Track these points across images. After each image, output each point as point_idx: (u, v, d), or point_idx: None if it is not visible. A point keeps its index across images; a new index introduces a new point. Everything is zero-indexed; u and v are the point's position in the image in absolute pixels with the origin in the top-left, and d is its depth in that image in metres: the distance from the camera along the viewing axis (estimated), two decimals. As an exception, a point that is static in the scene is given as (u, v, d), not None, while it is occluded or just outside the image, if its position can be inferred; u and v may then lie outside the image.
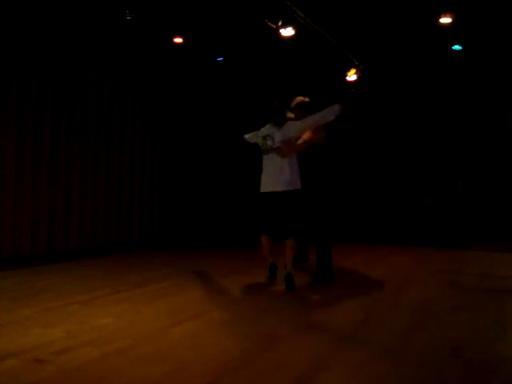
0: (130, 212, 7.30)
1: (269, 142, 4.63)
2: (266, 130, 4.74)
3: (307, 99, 5.29)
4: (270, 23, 6.26)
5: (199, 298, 4.14)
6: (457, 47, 7.58)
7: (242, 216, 9.79)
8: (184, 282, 4.79)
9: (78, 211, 6.42)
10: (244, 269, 5.72)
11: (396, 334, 3.18)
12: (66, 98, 6.27)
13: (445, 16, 6.25)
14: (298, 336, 3.09)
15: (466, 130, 8.95)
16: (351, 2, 6.29)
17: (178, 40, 7.15)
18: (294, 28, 6.20)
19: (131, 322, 3.32)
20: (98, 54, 6.71)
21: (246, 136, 5.04)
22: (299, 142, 4.81)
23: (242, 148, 9.92)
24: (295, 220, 4.61)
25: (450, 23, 6.36)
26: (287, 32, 6.21)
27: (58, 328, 3.07)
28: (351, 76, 8.13)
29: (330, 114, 4.69)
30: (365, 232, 9.30)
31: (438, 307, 4.01)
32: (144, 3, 6.26)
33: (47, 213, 6.02)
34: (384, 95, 9.48)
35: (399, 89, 9.33)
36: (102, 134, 6.79)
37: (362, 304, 4.03)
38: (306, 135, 4.86)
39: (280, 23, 6.16)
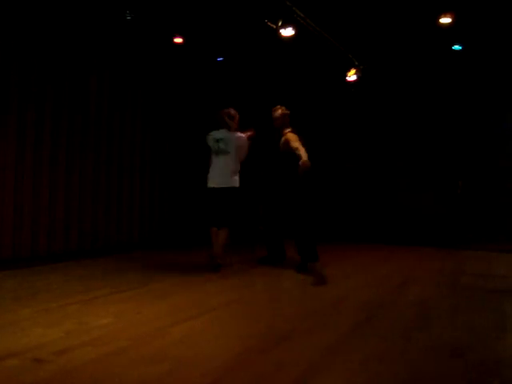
0: (130, 212, 7.30)
1: (221, 145, 5.46)
2: (220, 133, 5.51)
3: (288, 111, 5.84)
4: (269, 23, 6.26)
5: (199, 297, 4.14)
6: (457, 47, 7.58)
7: (242, 216, 9.78)
8: (184, 282, 4.79)
9: (78, 211, 6.42)
10: (244, 268, 5.72)
11: (396, 333, 3.18)
12: (66, 97, 6.26)
13: (445, 16, 6.25)
14: (297, 336, 3.10)
15: (465, 130, 8.95)
16: (351, 2, 6.29)
17: (178, 40, 7.15)
18: (294, 28, 6.20)
19: (131, 322, 3.32)
20: (98, 54, 6.71)
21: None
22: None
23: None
24: (233, 212, 5.50)
25: (449, 23, 6.36)
26: (287, 32, 6.21)
27: (57, 328, 3.07)
28: (351, 76, 8.14)
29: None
30: (365, 232, 9.31)
31: (437, 307, 4.02)
32: (144, 3, 6.26)
33: (47, 213, 6.02)
34: (384, 95, 9.49)
35: (399, 89, 9.33)
36: (102, 133, 6.79)
37: (362, 304, 4.03)
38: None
39: (280, 23, 6.17)
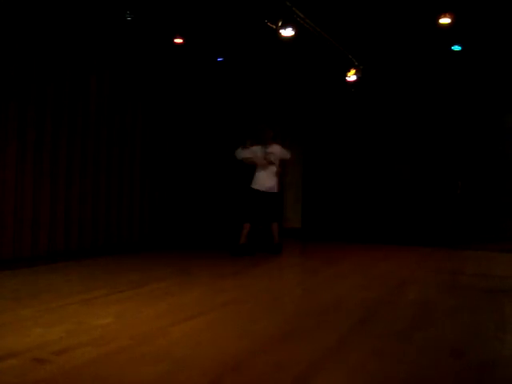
0: (131, 212, 7.30)
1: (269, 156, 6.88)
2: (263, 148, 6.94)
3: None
4: (269, 24, 6.26)
5: (199, 297, 4.15)
6: (456, 47, 7.58)
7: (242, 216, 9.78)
8: (184, 282, 4.79)
9: (78, 211, 6.42)
10: (244, 268, 5.73)
11: (396, 334, 3.19)
12: (67, 98, 6.26)
13: (444, 16, 6.25)
14: (297, 336, 3.10)
15: (465, 131, 8.95)
16: (351, 2, 6.30)
17: (179, 40, 7.16)
18: (294, 28, 6.20)
19: (131, 322, 3.32)
20: (98, 54, 6.71)
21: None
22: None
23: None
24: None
25: (449, 23, 6.36)
26: (287, 32, 6.21)
27: (57, 328, 3.07)
28: (351, 76, 8.14)
29: None
30: (364, 232, 9.31)
31: (437, 307, 4.02)
32: (144, 4, 6.26)
33: (48, 213, 6.02)
34: (384, 96, 9.49)
35: (399, 89, 9.33)
36: (102, 133, 6.79)
37: (362, 304, 4.03)
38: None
39: (280, 23, 6.17)
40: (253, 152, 6.85)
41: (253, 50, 7.92)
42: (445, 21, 6.31)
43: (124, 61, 7.16)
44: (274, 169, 6.83)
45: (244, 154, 6.91)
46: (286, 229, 10.35)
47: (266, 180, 6.80)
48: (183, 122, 8.35)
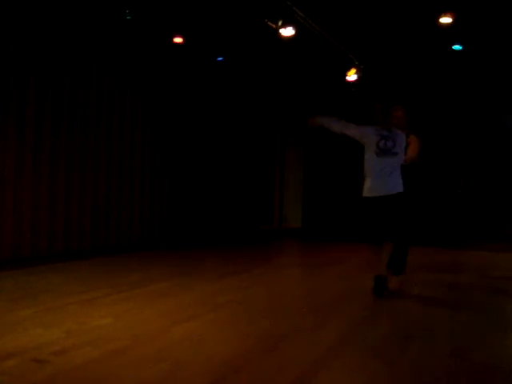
0: (131, 212, 7.29)
1: (389, 143, 4.57)
2: (379, 131, 4.66)
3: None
4: (270, 23, 6.25)
5: (199, 297, 4.14)
6: (457, 47, 7.58)
7: (242, 216, 9.80)
8: (184, 282, 4.79)
9: (77, 211, 6.42)
10: (244, 269, 5.73)
11: (396, 334, 3.18)
12: (66, 97, 6.26)
13: (445, 16, 6.25)
14: (298, 336, 3.09)
15: (466, 131, 8.95)
16: (351, 2, 6.29)
17: (178, 40, 7.15)
18: (294, 28, 6.19)
19: (131, 322, 3.32)
20: (97, 54, 6.71)
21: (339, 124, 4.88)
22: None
23: (241, 148, 9.91)
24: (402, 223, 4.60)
25: (450, 23, 6.36)
26: (287, 32, 6.20)
27: (57, 328, 3.07)
28: (351, 76, 8.13)
29: None
30: (365, 232, 9.30)
31: (438, 307, 4.02)
32: (144, 3, 6.26)
33: (47, 213, 6.01)
34: (384, 95, 9.48)
35: (399, 89, 9.32)
36: (102, 133, 6.78)
37: (362, 304, 4.03)
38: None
39: (280, 23, 6.16)
40: (365, 132, 4.73)
41: (253, 50, 7.91)
42: (446, 20, 6.31)
43: (124, 61, 7.15)
44: (397, 160, 4.60)
45: (348, 129, 4.83)
46: (285, 229, 10.36)
47: (384, 179, 4.52)
48: (183, 121, 8.34)
